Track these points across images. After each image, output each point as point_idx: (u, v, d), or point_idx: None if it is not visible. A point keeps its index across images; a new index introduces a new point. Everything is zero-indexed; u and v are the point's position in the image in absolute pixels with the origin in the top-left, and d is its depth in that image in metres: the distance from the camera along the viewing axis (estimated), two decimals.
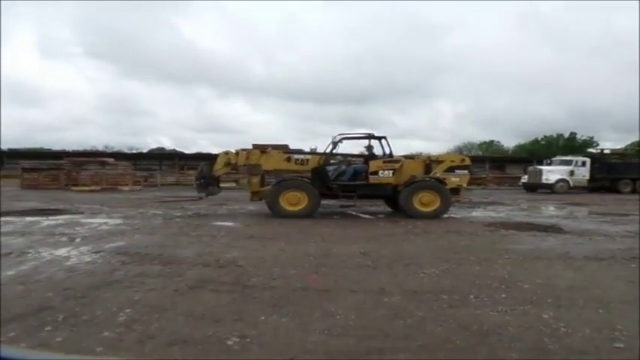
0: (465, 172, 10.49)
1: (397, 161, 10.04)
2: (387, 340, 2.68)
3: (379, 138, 10.08)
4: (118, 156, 34.14)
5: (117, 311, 3.12)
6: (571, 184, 21.64)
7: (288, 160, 10.40)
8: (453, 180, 10.16)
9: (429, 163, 10.45)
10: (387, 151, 10.07)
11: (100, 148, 48.01)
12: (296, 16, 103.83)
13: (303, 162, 10.38)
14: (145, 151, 47.66)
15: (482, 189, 25.67)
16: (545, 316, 3.14)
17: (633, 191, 21.67)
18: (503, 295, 3.67)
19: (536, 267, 4.82)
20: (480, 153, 56.44)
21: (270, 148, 11.28)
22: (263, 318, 3.03)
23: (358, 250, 5.67)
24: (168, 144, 67.63)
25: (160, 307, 3.23)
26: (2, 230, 7.11)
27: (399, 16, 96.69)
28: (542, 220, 9.65)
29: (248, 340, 2.63)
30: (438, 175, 10.11)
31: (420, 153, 30.25)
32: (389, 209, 11.53)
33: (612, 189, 22.11)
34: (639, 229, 7.78)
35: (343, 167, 10.20)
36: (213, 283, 3.95)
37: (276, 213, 9.51)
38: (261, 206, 11.67)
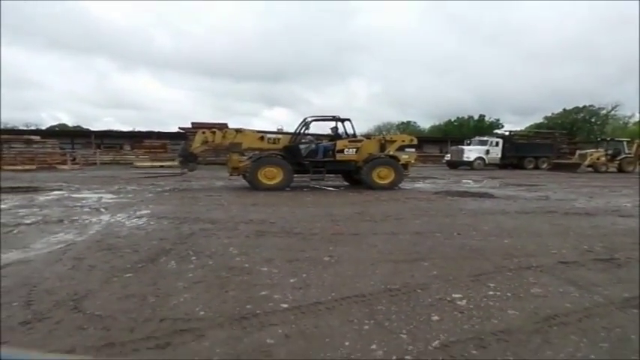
0: (413, 150, 12.43)
1: (359, 141, 11.65)
2: (420, 254, 4.19)
3: (343, 120, 11.55)
4: (25, 133, 32.06)
5: (223, 249, 4.30)
6: (487, 161, 24.99)
7: (262, 139, 11.54)
8: (404, 157, 12.02)
9: (384, 142, 12.16)
10: (351, 132, 11.62)
11: None
12: None
13: (274, 141, 11.60)
14: (43, 127, 44.61)
15: (411, 166, 28.42)
16: (506, 241, 4.87)
17: (535, 167, 25.73)
18: (474, 233, 5.36)
19: (486, 218, 6.64)
20: (398, 133, 60.34)
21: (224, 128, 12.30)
22: (332, 248, 4.39)
23: (352, 211, 7.14)
24: (67, 120, 62.04)
25: (253, 245, 4.45)
26: (15, 204, 7.56)
27: None
28: (474, 189, 11.86)
29: (336, 258, 3.99)
30: (391, 152, 11.87)
31: None
32: (345, 183, 13.15)
33: (519, 166, 25.93)
34: None
35: (313, 146, 11.54)
36: (268, 233, 5.19)
37: (255, 186, 10.64)
38: (228, 182, 12.72)
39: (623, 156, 23.59)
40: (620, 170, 23.04)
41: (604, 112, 54.42)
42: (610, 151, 23.60)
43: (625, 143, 24.41)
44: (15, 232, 5.15)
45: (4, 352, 0.69)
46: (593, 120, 54.95)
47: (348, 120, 11.53)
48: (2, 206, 7.31)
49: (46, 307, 2.66)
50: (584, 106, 54.25)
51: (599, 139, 28.48)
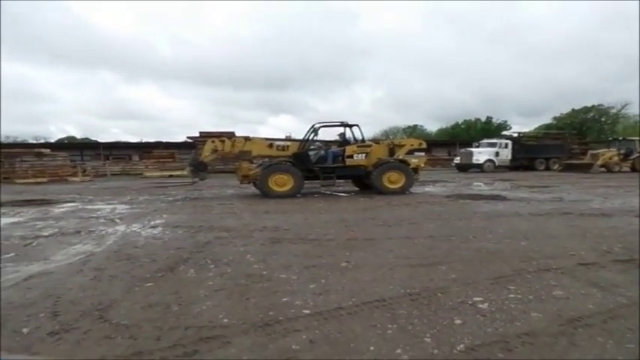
0: (422, 154, 12.41)
1: (368, 146, 11.66)
2: (437, 258, 4.18)
3: (352, 126, 11.57)
4: (35, 146, 32.69)
5: (241, 257, 4.32)
6: (496, 163, 24.83)
7: (270, 146, 11.60)
8: (414, 161, 12.00)
9: (393, 147, 12.17)
10: (359, 138, 11.64)
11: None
12: None
13: (283, 148, 11.66)
14: (52, 140, 45.42)
15: (421, 170, 28.36)
16: (523, 243, 4.84)
17: (546, 169, 25.53)
18: (490, 236, 5.34)
19: (501, 221, 6.60)
20: (405, 137, 60.09)
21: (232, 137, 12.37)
22: (348, 254, 4.39)
23: (365, 216, 7.15)
24: (75, 132, 62.94)
25: (269, 252, 4.47)
26: (31, 217, 7.67)
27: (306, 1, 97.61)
28: (486, 192, 11.79)
29: (354, 263, 4.00)
30: (401, 157, 11.86)
31: None
32: (355, 188, 13.15)
33: (529, 167, 25.73)
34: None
35: (322, 152, 11.57)
36: (284, 240, 5.21)
37: (266, 194, 10.68)
38: (238, 190, 12.78)
39: (636, 155, 23.29)
40: (634, 170, 22.74)
41: (613, 111, 53.76)
42: (622, 151, 23.32)
43: (637, 142, 24.11)
44: (34, 244, 5.23)
45: (4, 355, 0.65)
46: (603, 119, 54.30)
47: (357, 125, 11.57)
48: (19, 219, 7.42)
49: (73, 317, 2.70)
50: (593, 106, 53.66)
51: (610, 138, 28.12)
